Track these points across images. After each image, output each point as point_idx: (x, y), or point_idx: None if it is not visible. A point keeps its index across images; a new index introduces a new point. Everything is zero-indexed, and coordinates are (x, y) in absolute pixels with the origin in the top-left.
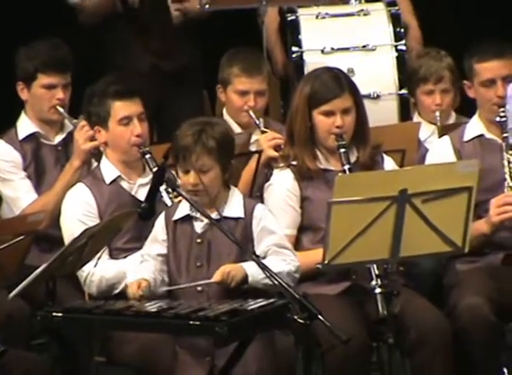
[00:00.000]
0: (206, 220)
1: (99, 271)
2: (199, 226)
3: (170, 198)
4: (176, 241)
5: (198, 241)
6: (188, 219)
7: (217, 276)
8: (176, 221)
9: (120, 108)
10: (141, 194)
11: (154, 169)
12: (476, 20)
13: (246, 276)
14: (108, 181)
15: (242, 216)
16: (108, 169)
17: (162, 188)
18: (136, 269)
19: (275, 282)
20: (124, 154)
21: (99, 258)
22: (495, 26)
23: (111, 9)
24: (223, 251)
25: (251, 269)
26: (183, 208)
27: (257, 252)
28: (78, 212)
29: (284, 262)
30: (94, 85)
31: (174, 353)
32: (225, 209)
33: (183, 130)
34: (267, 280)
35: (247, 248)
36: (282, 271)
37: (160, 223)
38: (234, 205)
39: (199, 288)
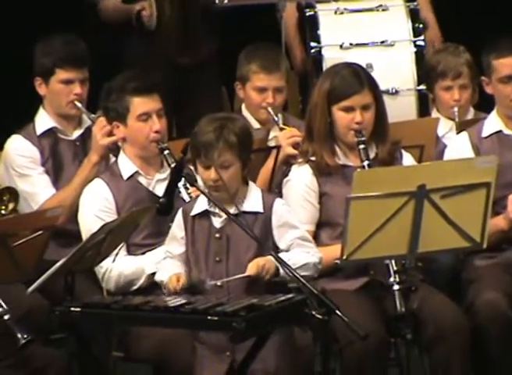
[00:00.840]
0: (224, 215)
1: (117, 267)
2: (217, 222)
3: (188, 194)
4: (194, 237)
5: (217, 236)
6: (206, 214)
7: (252, 270)
8: (194, 216)
9: (139, 104)
10: (159, 190)
11: (173, 165)
12: (494, 18)
13: (278, 269)
14: (125, 177)
15: (261, 210)
16: (126, 165)
17: (180, 184)
18: (167, 264)
19: (295, 277)
20: (142, 149)
21: (117, 254)
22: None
23: (127, 20)
24: (242, 246)
25: None
26: (201, 204)
27: (281, 246)
28: (96, 208)
29: (308, 254)
30: (112, 81)
31: (193, 348)
32: (244, 204)
33: (202, 126)
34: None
35: (266, 242)
36: (308, 262)
37: (178, 219)
38: (253, 200)
39: (219, 283)
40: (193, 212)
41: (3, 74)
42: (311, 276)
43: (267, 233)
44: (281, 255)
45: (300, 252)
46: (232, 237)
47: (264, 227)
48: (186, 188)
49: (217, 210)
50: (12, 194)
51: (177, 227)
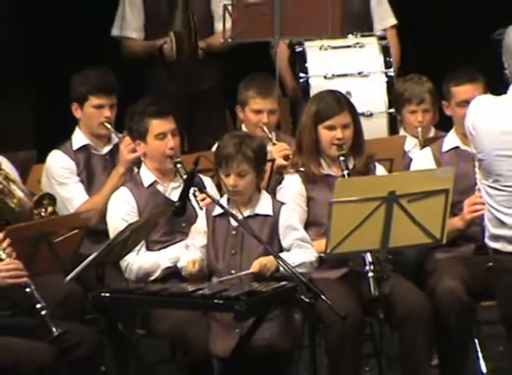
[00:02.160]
0: (240, 216)
1: (138, 261)
2: (234, 221)
3: (197, 201)
4: (214, 233)
5: (233, 233)
6: (225, 214)
7: (255, 267)
8: (215, 216)
9: (157, 125)
10: (173, 196)
11: (184, 176)
12: (452, 52)
13: (278, 267)
14: (146, 185)
15: (271, 213)
16: (146, 175)
17: (190, 193)
18: (189, 253)
19: (290, 270)
20: (159, 163)
21: (139, 250)
22: (467, 57)
23: (150, 56)
24: (254, 242)
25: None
26: None
27: (284, 245)
28: (121, 211)
29: (306, 253)
30: (134, 105)
31: (208, 326)
32: (256, 208)
33: (225, 141)
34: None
35: (272, 242)
36: (305, 261)
37: (202, 217)
38: (264, 205)
39: (233, 272)
40: (214, 213)
41: (45, 101)
42: (307, 272)
43: (274, 232)
44: (283, 254)
45: (299, 252)
46: (246, 234)
47: (272, 228)
48: (195, 196)
49: (234, 211)
50: (51, 199)
51: (201, 223)
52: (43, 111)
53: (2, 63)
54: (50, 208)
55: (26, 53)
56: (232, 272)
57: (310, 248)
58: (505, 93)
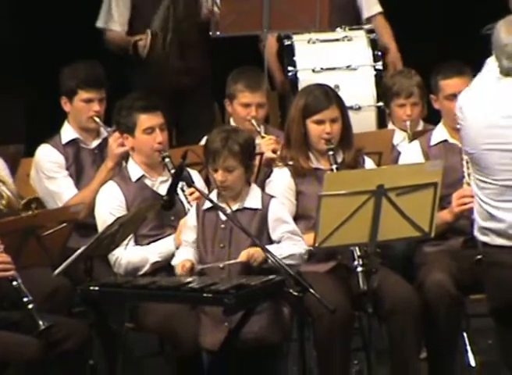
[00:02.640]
0: (229, 209)
1: (127, 256)
2: (223, 215)
3: (185, 196)
4: (204, 226)
5: (222, 226)
6: (214, 208)
7: (243, 257)
8: (205, 210)
9: (145, 120)
10: (161, 190)
11: (172, 170)
12: (440, 45)
13: (266, 259)
14: (134, 179)
15: (259, 207)
16: (134, 169)
17: (178, 188)
18: (181, 252)
19: (277, 262)
20: (147, 157)
21: (127, 244)
22: (455, 49)
23: (125, 51)
24: (242, 235)
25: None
26: None
27: (273, 238)
28: (109, 206)
29: (295, 246)
30: (122, 100)
31: (198, 319)
32: (246, 201)
33: (212, 136)
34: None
35: (261, 235)
36: (295, 253)
37: (192, 211)
38: (253, 199)
39: (221, 265)
40: (204, 207)
41: (33, 95)
42: (297, 264)
43: (263, 226)
44: (272, 246)
45: (288, 244)
46: (235, 228)
47: (261, 221)
48: (183, 191)
49: (223, 205)
50: (39, 203)
51: (191, 218)
52: (34, 105)
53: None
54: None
55: (26, 52)
56: (221, 266)
57: (300, 240)
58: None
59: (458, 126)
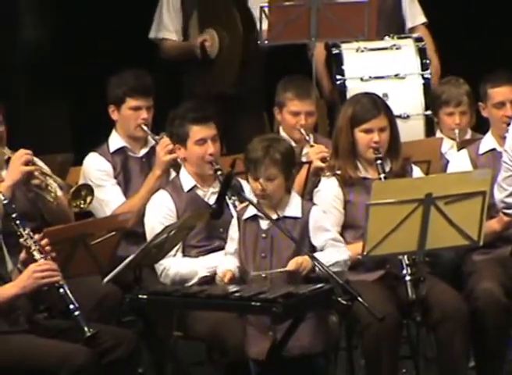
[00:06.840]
0: (274, 217)
1: (175, 266)
2: (264, 224)
3: (233, 204)
4: (245, 236)
5: (263, 236)
6: (255, 218)
7: (292, 266)
8: (245, 220)
9: (197, 131)
10: (213, 201)
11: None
12: (488, 55)
13: (313, 267)
14: (186, 189)
15: (300, 215)
16: (186, 179)
17: (228, 199)
18: (224, 261)
19: (325, 270)
20: (199, 168)
21: (175, 254)
22: (504, 58)
23: (190, 56)
24: (283, 244)
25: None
26: (251, 209)
27: (316, 245)
28: (160, 215)
29: (339, 253)
30: (176, 110)
31: (243, 329)
32: (286, 210)
33: (253, 145)
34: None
35: (303, 242)
36: (339, 260)
37: (233, 222)
38: (294, 207)
39: (263, 275)
40: (244, 216)
41: (81, 104)
42: (341, 271)
43: (304, 234)
44: (316, 254)
45: (332, 252)
46: (276, 237)
47: (302, 230)
48: (230, 199)
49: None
50: (88, 189)
51: (233, 229)
52: (81, 114)
53: (44, 70)
54: (88, 199)
55: (73, 62)
56: (263, 275)
57: (342, 247)
58: None
59: (506, 135)
